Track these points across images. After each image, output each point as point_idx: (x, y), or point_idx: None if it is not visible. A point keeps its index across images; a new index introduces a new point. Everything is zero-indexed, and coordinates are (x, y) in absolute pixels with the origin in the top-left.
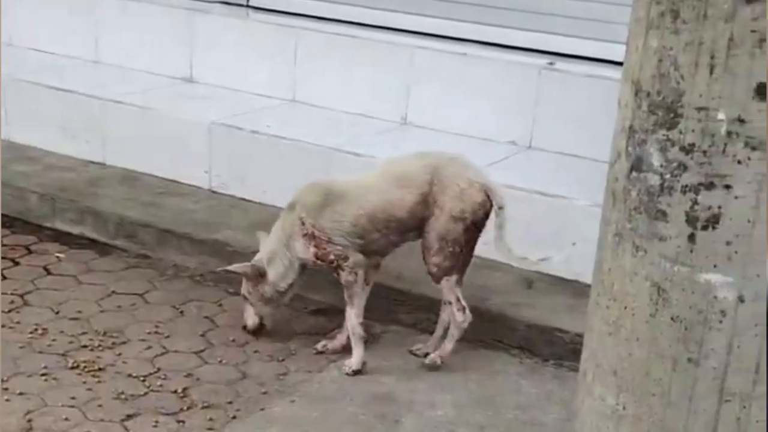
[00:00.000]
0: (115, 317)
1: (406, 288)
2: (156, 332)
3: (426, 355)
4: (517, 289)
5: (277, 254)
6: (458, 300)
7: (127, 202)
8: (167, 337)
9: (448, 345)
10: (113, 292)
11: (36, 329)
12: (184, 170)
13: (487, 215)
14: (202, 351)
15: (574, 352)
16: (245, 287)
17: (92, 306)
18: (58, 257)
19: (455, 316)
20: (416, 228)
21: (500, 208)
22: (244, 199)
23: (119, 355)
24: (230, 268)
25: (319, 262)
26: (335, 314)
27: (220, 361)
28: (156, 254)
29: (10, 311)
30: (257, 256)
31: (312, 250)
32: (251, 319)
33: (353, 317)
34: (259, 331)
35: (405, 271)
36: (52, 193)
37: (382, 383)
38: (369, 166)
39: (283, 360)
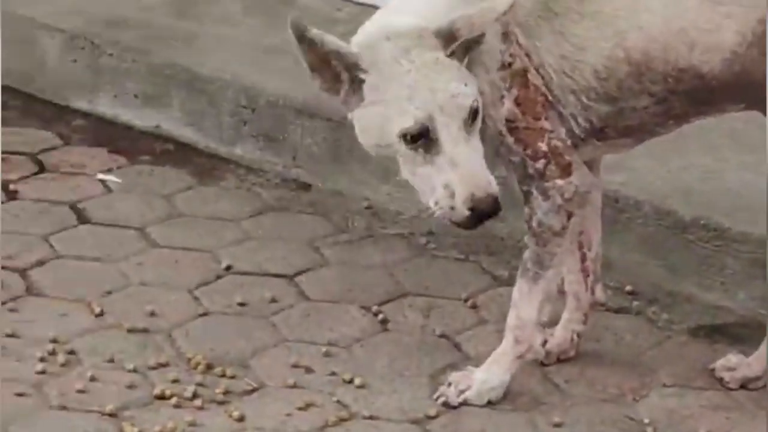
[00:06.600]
0: None
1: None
2: None
3: None
4: None
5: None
6: None
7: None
8: None
9: None
10: None
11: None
12: None
13: None
14: None
15: None
16: None
17: None
18: (102, 181)
19: None
20: (732, 97)
21: None
22: None
23: None
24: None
25: (507, 140)
26: None
27: None
28: None
29: None
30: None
31: (509, 106)
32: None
33: (533, 301)
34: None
35: None
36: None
37: None
38: None
39: None
